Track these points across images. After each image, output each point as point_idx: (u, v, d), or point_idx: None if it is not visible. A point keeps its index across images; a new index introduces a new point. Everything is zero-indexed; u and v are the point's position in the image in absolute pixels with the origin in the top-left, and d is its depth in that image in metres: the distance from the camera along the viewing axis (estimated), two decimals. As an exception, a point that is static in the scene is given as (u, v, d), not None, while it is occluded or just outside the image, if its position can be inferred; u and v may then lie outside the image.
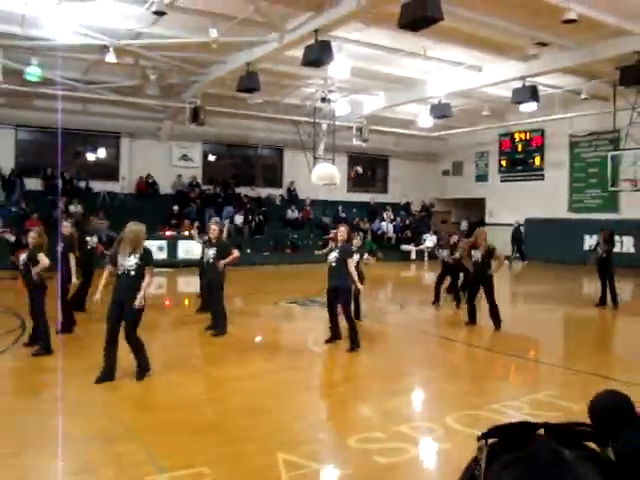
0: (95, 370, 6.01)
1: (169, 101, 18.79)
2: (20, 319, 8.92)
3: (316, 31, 11.34)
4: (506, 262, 14.89)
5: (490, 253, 9.39)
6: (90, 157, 21.39)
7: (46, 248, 7.04)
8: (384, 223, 24.46)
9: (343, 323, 7.88)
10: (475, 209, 26.30)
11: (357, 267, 8.66)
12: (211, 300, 8.87)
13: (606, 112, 18.12)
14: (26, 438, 4.52)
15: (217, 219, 11.00)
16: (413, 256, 23.37)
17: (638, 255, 19.44)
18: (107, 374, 6.00)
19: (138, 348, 6.20)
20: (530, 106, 16.68)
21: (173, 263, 17.55)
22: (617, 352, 8.95)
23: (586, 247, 20.34)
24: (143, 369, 6.22)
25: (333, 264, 7.83)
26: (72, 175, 20.21)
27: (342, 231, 8.02)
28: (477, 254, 9.37)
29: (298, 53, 12.19)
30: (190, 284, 13.71)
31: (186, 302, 12.46)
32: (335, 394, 6.25)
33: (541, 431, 0.75)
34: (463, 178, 27.03)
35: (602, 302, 11.75)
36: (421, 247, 22.98)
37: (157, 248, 16.78)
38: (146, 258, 6.17)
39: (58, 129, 17.47)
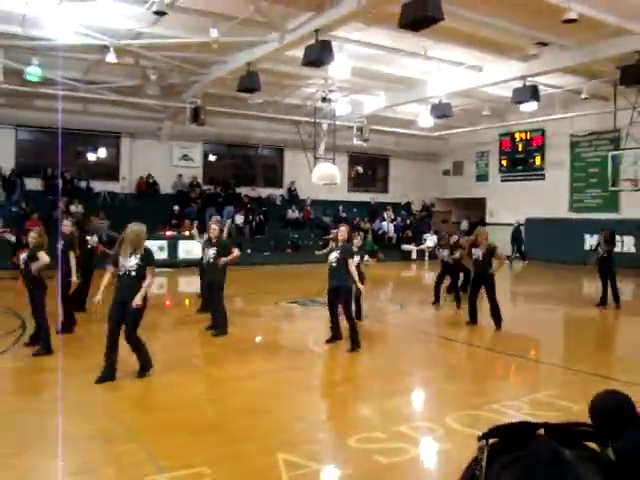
0: (95, 370, 6.01)
1: (169, 101, 18.79)
2: (20, 319, 8.92)
3: (317, 31, 11.33)
4: (506, 262, 14.88)
5: (491, 252, 9.39)
6: (90, 157, 21.39)
7: (46, 248, 7.04)
8: (385, 223, 24.46)
9: (344, 323, 7.88)
10: (476, 209, 26.30)
11: (357, 267, 8.65)
12: (211, 300, 8.87)
13: (606, 112, 18.12)
14: (26, 438, 4.52)
15: (218, 218, 10.99)
16: (414, 256, 23.37)
17: (639, 255, 19.44)
18: (108, 374, 6.00)
19: (138, 348, 6.21)
20: (530, 106, 16.69)
21: (173, 263, 17.56)
22: (617, 352, 8.95)
23: (587, 247, 20.34)
24: (144, 368, 6.23)
25: (334, 264, 7.82)
26: (72, 175, 20.21)
27: (343, 231, 8.02)
28: (478, 252, 9.37)
29: (299, 53, 12.19)
30: (191, 284, 13.72)
31: (186, 302, 12.47)
32: (335, 394, 6.25)
33: (541, 431, 0.75)
34: (463, 178, 27.03)
35: (603, 302, 11.74)
36: (422, 247, 22.98)
37: (158, 248, 16.79)
38: (147, 258, 6.18)
39: (58, 129, 17.48)
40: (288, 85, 18.19)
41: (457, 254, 11.51)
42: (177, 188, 22.07)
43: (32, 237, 7.03)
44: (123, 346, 6.16)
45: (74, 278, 8.20)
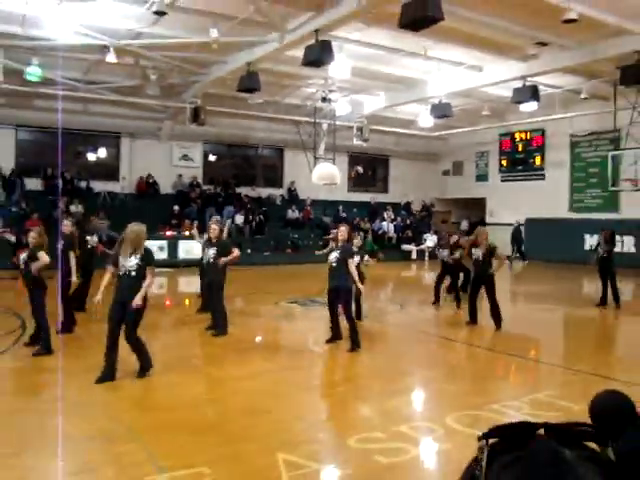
0: (95, 370, 6.01)
1: (169, 101, 18.79)
2: (20, 319, 8.92)
3: (316, 31, 11.34)
4: (506, 262, 14.88)
5: (491, 252, 9.39)
6: (90, 157, 21.40)
7: (46, 248, 7.04)
8: (385, 223, 24.46)
9: (344, 323, 7.88)
10: (475, 209, 26.30)
11: (357, 267, 8.65)
12: (211, 300, 8.87)
13: (606, 112, 18.12)
14: (26, 438, 4.52)
15: (218, 218, 10.98)
16: (414, 256, 23.37)
17: (639, 255, 19.44)
18: (108, 374, 6.00)
19: (138, 348, 6.21)
20: (530, 106, 16.68)
21: (173, 263, 17.56)
22: (617, 352, 8.94)
23: (587, 247, 20.36)
24: (144, 368, 6.23)
25: (334, 264, 7.81)
26: (72, 175, 20.21)
27: (343, 231, 8.01)
28: (478, 252, 9.36)
29: (298, 53, 12.19)
30: (191, 284, 13.72)
31: (186, 302, 12.47)
32: (335, 394, 6.25)
33: (541, 431, 0.75)
34: (463, 178, 27.03)
35: (603, 302, 11.74)
36: (422, 247, 22.98)
37: (158, 248, 16.79)
38: (147, 258, 6.18)
39: (58, 129, 17.48)
40: (288, 85, 18.19)
41: (457, 254, 11.51)
42: (177, 188, 22.07)
43: (32, 237, 7.03)
44: (123, 346, 6.16)
45: (74, 278, 8.20)
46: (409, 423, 5.06)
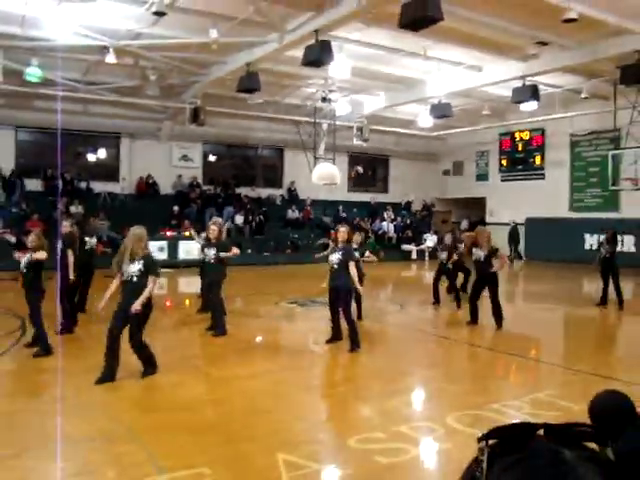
0: (95, 371, 6.01)
1: (169, 101, 18.79)
2: (20, 320, 8.92)
3: (316, 31, 11.34)
4: (507, 262, 14.88)
5: (493, 253, 9.39)
6: (90, 158, 21.41)
7: (46, 250, 7.05)
8: (385, 223, 24.46)
9: (344, 324, 7.87)
10: (476, 208, 26.30)
11: (357, 266, 8.62)
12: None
13: (606, 111, 18.13)
14: (26, 439, 4.51)
15: (219, 220, 10.98)
16: (414, 256, 23.37)
17: (639, 254, 19.44)
18: (107, 375, 5.99)
19: (141, 351, 6.19)
20: (530, 105, 16.68)
21: (173, 264, 17.55)
22: (618, 352, 8.94)
23: (587, 246, 20.37)
24: (147, 372, 6.23)
25: (335, 266, 7.78)
26: (72, 176, 20.22)
27: (342, 232, 7.98)
28: (479, 253, 9.33)
29: (298, 53, 12.19)
30: (191, 284, 13.71)
31: (187, 302, 12.47)
32: (335, 394, 6.25)
33: (541, 432, 0.75)
34: (463, 178, 27.03)
35: (603, 302, 11.74)
36: (422, 247, 22.98)
37: (158, 249, 16.78)
38: (149, 267, 6.14)
39: (58, 130, 17.49)
40: (288, 85, 18.19)
41: (455, 256, 11.61)
42: (177, 188, 22.07)
43: (31, 240, 7.04)
44: (123, 347, 6.16)
45: (71, 277, 8.25)
46: (409, 423, 5.06)
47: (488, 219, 24.95)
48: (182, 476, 3.92)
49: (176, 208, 20.64)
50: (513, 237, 23.00)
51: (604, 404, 2.30)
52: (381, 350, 8.27)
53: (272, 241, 21.54)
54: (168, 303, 12.77)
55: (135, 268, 6.06)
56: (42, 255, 6.88)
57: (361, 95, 19.28)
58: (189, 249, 17.46)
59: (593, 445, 0.76)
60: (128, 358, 6.23)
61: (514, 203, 23.72)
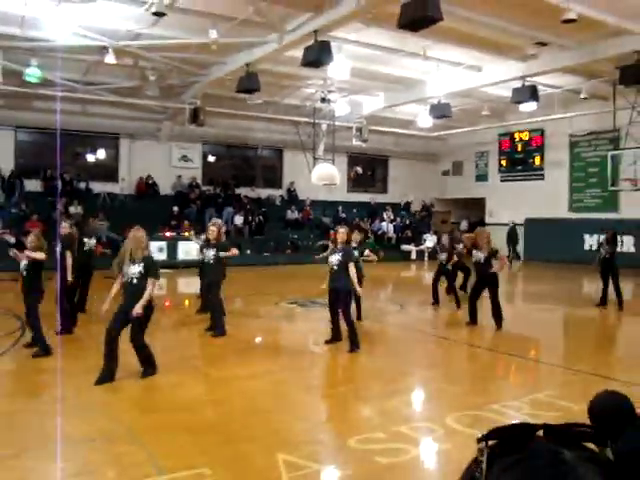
0: (95, 371, 6.01)
1: (169, 102, 18.79)
2: (20, 321, 8.91)
3: (316, 32, 11.33)
4: (506, 263, 14.89)
5: (493, 255, 9.39)
6: (90, 158, 21.40)
7: (45, 251, 7.05)
8: (384, 223, 24.47)
9: (344, 325, 7.87)
10: (475, 209, 26.31)
11: (357, 265, 8.61)
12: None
13: (606, 111, 18.12)
14: (26, 439, 4.51)
15: (219, 221, 10.98)
16: (413, 256, 23.35)
17: (638, 255, 19.44)
18: (107, 375, 5.99)
19: (142, 352, 6.20)
20: (530, 106, 16.68)
21: (173, 264, 17.55)
22: (617, 352, 8.94)
23: (586, 247, 20.37)
24: (147, 372, 6.23)
25: (335, 267, 7.77)
26: (72, 176, 20.22)
27: (342, 233, 7.98)
28: (479, 255, 9.34)
29: (298, 54, 12.19)
30: (190, 285, 13.71)
31: (186, 303, 12.46)
32: (335, 394, 6.25)
33: (540, 432, 0.75)
34: (463, 178, 27.03)
35: (603, 302, 11.75)
36: (421, 247, 22.94)
37: (157, 249, 16.78)
38: (148, 269, 6.13)
39: (57, 130, 17.47)
40: (287, 86, 18.19)
41: (455, 257, 11.63)
42: (176, 189, 22.06)
43: (30, 241, 7.05)
44: (123, 348, 6.16)
45: (69, 277, 8.26)
46: (409, 423, 5.06)
47: (487, 219, 24.96)
48: (182, 476, 3.92)
49: (176, 209, 20.64)
50: (511, 237, 23.03)
51: (604, 404, 2.30)
52: (381, 350, 8.27)
53: (272, 241, 21.54)
54: (167, 303, 12.77)
55: (135, 270, 6.06)
56: (41, 256, 6.89)
57: (360, 95, 19.28)
58: (188, 250, 17.45)
59: (592, 445, 0.76)
60: (128, 358, 6.24)
61: (513, 203, 23.72)
